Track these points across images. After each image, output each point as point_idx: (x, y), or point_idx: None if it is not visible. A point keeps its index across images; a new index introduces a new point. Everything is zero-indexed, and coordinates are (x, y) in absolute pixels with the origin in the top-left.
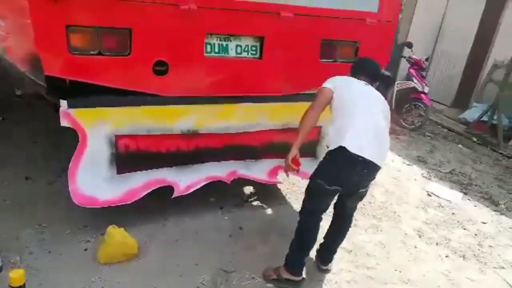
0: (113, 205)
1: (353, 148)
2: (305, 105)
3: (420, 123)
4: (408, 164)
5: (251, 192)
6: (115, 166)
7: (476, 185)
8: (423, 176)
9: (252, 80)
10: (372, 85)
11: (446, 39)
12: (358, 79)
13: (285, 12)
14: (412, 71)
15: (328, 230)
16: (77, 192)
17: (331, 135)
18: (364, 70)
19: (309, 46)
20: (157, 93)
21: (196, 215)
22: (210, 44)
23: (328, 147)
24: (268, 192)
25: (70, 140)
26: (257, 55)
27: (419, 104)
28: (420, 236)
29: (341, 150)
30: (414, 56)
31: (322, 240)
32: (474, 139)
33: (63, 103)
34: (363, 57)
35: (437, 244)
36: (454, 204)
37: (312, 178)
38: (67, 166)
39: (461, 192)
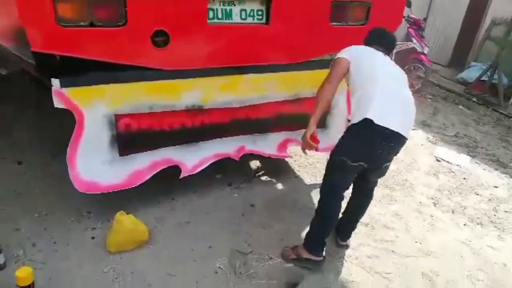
0: (117, 190)
1: (379, 120)
2: (315, 73)
3: (420, 85)
4: (413, 129)
5: (258, 167)
6: (117, 147)
7: (482, 148)
8: (429, 141)
9: (259, 48)
10: (388, 55)
11: None
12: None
13: None
14: (411, 31)
15: (348, 205)
16: (78, 178)
17: (353, 107)
18: (380, 40)
19: (319, 9)
20: (157, 67)
21: (205, 194)
22: (212, 9)
23: (349, 120)
24: (276, 166)
25: (61, 117)
26: (263, 20)
27: (419, 65)
28: (435, 204)
29: (366, 122)
30: (413, 16)
31: (341, 215)
32: (474, 99)
33: (55, 82)
34: (378, 27)
35: (453, 212)
36: (464, 169)
37: (334, 154)
38: (62, 145)
39: (468, 155)
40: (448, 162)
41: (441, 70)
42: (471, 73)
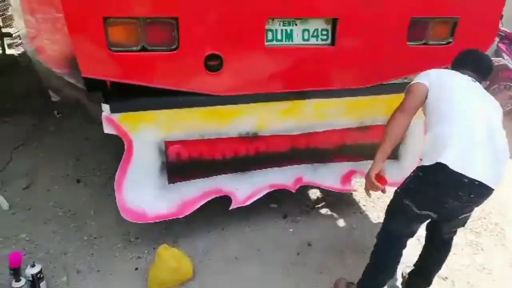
0: (164, 219)
1: (456, 166)
2: (387, 98)
3: (511, 106)
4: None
5: (317, 197)
6: (166, 175)
7: None
8: None
9: (323, 71)
10: (480, 83)
11: None
12: (463, 73)
13: None
14: (502, 46)
15: (420, 256)
16: (125, 205)
17: (427, 146)
18: (474, 65)
19: (394, 26)
20: (210, 92)
21: (257, 226)
22: (271, 30)
23: (421, 159)
24: (338, 198)
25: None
26: (329, 41)
27: (511, 84)
28: None
29: (440, 167)
30: (504, 29)
31: (412, 268)
32: None
33: (105, 107)
34: (472, 48)
35: None
36: None
37: (398, 195)
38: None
39: None
40: None
41: None
42: None
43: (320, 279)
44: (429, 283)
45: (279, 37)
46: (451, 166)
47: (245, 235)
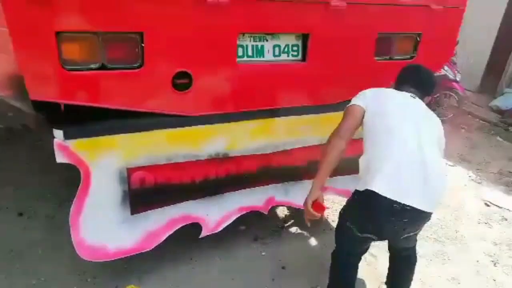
0: (129, 255)
1: (386, 192)
2: None
3: (452, 115)
4: (452, 165)
5: (286, 215)
6: (128, 205)
7: None
8: (472, 180)
9: (294, 88)
10: (422, 99)
11: (472, 19)
12: (405, 91)
13: (336, 1)
14: None
15: (388, 273)
16: (82, 244)
17: (361, 169)
18: (412, 79)
19: (363, 42)
20: (178, 113)
21: (228, 252)
22: (242, 46)
23: (358, 180)
24: None
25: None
26: (299, 57)
27: (451, 93)
28: (495, 264)
29: (370, 193)
30: None
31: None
32: (510, 129)
33: (58, 134)
34: (412, 64)
35: None
36: None
37: (342, 217)
38: (69, 193)
39: None
40: (498, 206)
41: (471, 96)
42: (507, 100)
43: None
44: None
45: (250, 53)
46: (381, 193)
47: (216, 264)
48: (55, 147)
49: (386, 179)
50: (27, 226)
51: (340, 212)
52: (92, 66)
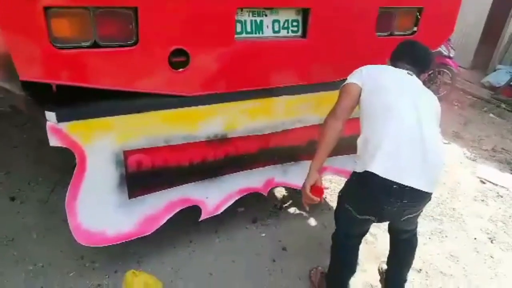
0: (128, 240)
1: (385, 173)
2: None
3: (446, 91)
4: (447, 143)
5: (284, 196)
6: (126, 189)
7: None
8: (467, 157)
9: (295, 66)
10: (419, 76)
11: None
12: (401, 68)
13: None
14: None
15: (388, 256)
16: (80, 229)
17: (359, 149)
18: (408, 56)
19: (364, 17)
20: (175, 93)
21: (227, 234)
22: (240, 22)
23: (355, 161)
24: None
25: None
26: (300, 33)
27: (445, 70)
28: (492, 241)
29: (369, 174)
30: None
31: (386, 267)
32: (503, 106)
33: (50, 116)
34: (408, 40)
35: None
36: None
37: (340, 199)
38: (62, 176)
39: None
40: (493, 183)
41: (464, 72)
42: (499, 76)
43: (299, 286)
44: (404, 280)
45: (248, 29)
46: (380, 174)
47: (216, 247)
48: (48, 130)
49: (385, 159)
50: (20, 211)
51: (338, 194)
52: (84, 43)
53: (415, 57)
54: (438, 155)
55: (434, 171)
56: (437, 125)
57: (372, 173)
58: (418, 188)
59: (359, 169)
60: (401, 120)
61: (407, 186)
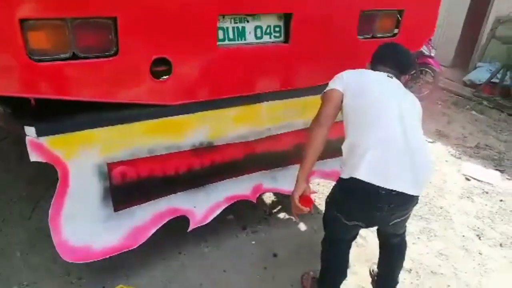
0: (115, 254)
1: (372, 178)
2: None
3: (428, 91)
4: (432, 142)
5: (273, 201)
6: (111, 202)
7: (508, 160)
8: (452, 155)
9: (278, 72)
10: (399, 79)
11: None
12: (382, 71)
13: None
14: None
15: (379, 260)
16: (65, 245)
17: (344, 155)
18: (389, 58)
19: (346, 20)
20: (158, 102)
21: (217, 243)
22: (222, 29)
23: (341, 167)
24: None
25: None
26: (282, 38)
27: (427, 69)
28: (479, 237)
29: (355, 181)
30: None
31: (377, 271)
32: (485, 103)
33: (30, 131)
34: (388, 42)
35: (501, 245)
36: (498, 188)
37: (328, 205)
38: (44, 191)
39: (497, 170)
40: (478, 180)
41: (445, 71)
42: (479, 74)
43: None
44: (396, 282)
45: (231, 35)
46: (367, 180)
47: (206, 257)
48: (28, 145)
49: (371, 165)
50: (3, 229)
51: (326, 200)
52: (62, 55)
53: (397, 60)
54: (425, 156)
55: (422, 173)
56: (420, 127)
57: (359, 179)
58: (406, 192)
59: (345, 175)
60: (386, 125)
61: (394, 191)
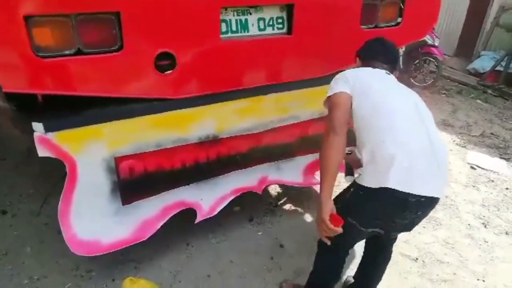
0: (124, 247)
1: (402, 186)
2: None
3: (432, 80)
4: None
5: (278, 193)
6: (119, 196)
7: None
8: (457, 144)
9: (281, 63)
10: (392, 73)
11: None
12: (378, 68)
13: None
14: None
15: (360, 264)
16: (75, 239)
17: (366, 164)
18: (381, 54)
19: (349, 10)
20: (163, 96)
21: (224, 235)
22: (225, 21)
23: (360, 174)
24: (298, 191)
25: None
26: (285, 30)
27: (430, 59)
28: (485, 226)
29: (384, 191)
30: None
31: (352, 281)
32: (489, 91)
33: (38, 126)
34: (377, 37)
35: (507, 233)
36: (503, 176)
37: (340, 210)
38: (52, 187)
39: (502, 158)
40: (483, 169)
41: (448, 60)
42: (483, 62)
43: (298, 282)
44: None
45: (234, 28)
46: (398, 188)
47: (213, 248)
48: (36, 141)
49: (401, 172)
50: (13, 224)
51: (336, 200)
52: (67, 51)
53: (388, 55)
54: (446, 155)
55: (446, 172)
56: (433, 122)
57: (388, 188)
58: (434, 196)
59: (370, 184)
60: (407, 126)
61: (423, 197)
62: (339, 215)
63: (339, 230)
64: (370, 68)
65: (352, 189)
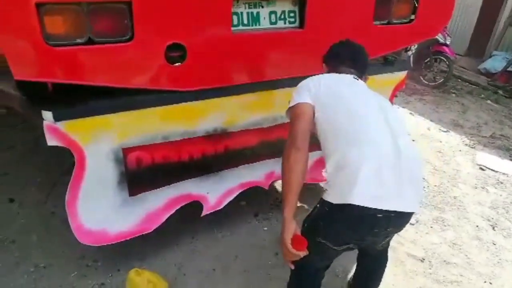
0: (130, 238)
1: (368, 202)
2: None
3: (443, 79)
4: (445, 131)
5: None
6: (126, 187)
7: None
8: (466, 145)
9: (293, 57)
10: (361, 78)
11: None
12: (345, 73)
13: None
14: None
15: (355, 274)
16: (81, 229)
17: (330, 177)
18: (348, 58)
19: (362, 6)
20: (172, 88)
21: (230, 229)
22: (237, 14)
23: (326, 190)
24: (304, 187)
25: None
26: (297, 23)
27: (441, 57)
28: (493, 228)
29: (349, 207)
30: None
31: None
32: (500, 92)
33: (47, 115)
34: (343, 40)
35: None
36: None
37: (308, 231)
38: (59, 175)
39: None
40: (493, 170)
41: (459, 59)
42: (495, 63)
43: None
44: None
45: (245, 21)
46: (364, 204)
47: (218, 242)
48: (45, 130)
49: (367, 187)
50: (20, 212)
51: (303, 225)
52: (78, 40)
53: (355, 58)
54: (419, 166)
55: (419, 185)
56: (405, 129)
57: (354, 205)
58: (404, 211)
59: (334, 200)
60: (374, 136)
61: (392, 212)
62: (305, 236)
63: (301, 254)
64: (335, 74)
65: (318, 205)
